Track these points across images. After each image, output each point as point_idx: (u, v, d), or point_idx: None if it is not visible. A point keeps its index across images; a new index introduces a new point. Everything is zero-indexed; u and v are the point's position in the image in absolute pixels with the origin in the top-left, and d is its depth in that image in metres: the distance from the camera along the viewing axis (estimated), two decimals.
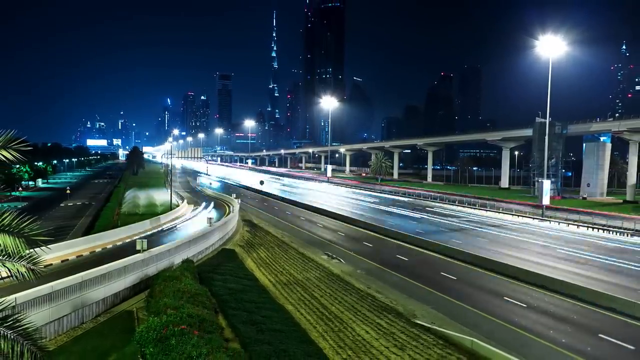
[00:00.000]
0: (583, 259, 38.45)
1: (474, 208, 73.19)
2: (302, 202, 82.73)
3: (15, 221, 7.67)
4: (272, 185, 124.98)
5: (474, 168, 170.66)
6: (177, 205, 68.35)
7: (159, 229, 50.26)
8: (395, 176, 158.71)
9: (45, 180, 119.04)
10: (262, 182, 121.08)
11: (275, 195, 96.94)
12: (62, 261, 31.80)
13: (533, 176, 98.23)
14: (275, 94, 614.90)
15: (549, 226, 57.18)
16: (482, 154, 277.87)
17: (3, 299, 10.00)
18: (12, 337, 7.50)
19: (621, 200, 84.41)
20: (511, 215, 64.76)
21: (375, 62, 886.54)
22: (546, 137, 70.66)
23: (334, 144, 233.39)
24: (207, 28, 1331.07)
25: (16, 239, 7.58)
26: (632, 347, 20.61)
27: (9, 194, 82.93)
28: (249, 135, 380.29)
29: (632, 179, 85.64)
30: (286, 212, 71.62)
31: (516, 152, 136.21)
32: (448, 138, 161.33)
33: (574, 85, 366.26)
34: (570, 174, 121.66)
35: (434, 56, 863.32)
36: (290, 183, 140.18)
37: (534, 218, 61.90)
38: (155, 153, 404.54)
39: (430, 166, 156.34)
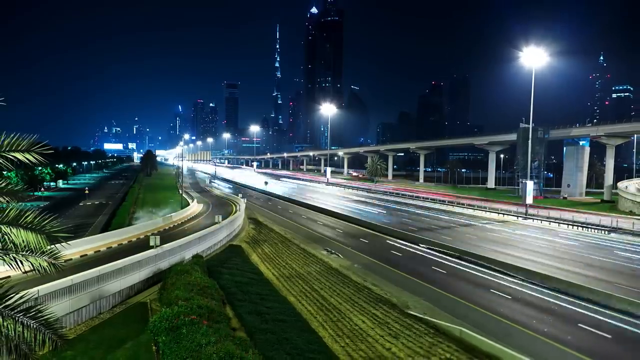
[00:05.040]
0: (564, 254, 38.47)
1: (463, 207, 73.07)
2: (303, 201, 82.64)
3: (37, 219, 7.65)
4: (276, 186, 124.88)
5: (463, 170, 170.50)
6: (188, 204, 68.25)
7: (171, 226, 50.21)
8: (390, 177, 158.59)
9: (66, 181, 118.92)
10: (266, 183, 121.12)
11: (278, 195, 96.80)
12: (81, 256, 31.76)
13: (517, 177, 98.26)
14: (279, 101, 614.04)
15: (531, 224, 57.19)
16: (470, 156, 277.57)
17: (26, 291, 9.99)
18: (34, 326, 7.50)
19: (599, 200, 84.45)
20: (497, 214, 64.76)
21: (371, 72, 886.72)
22: (529, 142, 70.73)
23: (333, 147, 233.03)
24: (215, 40, 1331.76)
25: (38, 235, 7.56)
26: (609, 336, 20.60)
27: (31, 193, 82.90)
28: (254, 139, 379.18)
29: (609, 180, 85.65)
30: (289, 211, 71.53)
31: (502, 155, 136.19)
32: (438, 142, 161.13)
33: (556, 93, 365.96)
34: (551, 175, 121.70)
35: (426, 66, 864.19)
36: (292, 184, 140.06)
37: (517, 216, 61.84)
38: (167, 156, 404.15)
39: (422, 168, 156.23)
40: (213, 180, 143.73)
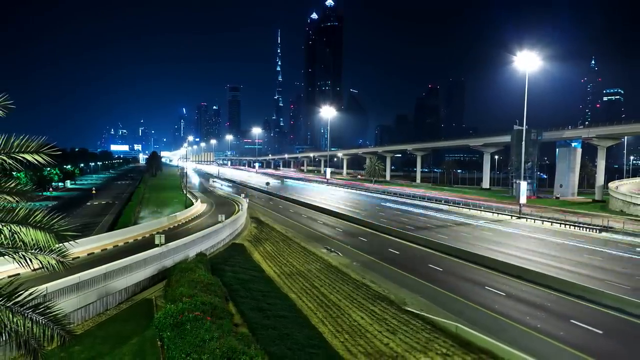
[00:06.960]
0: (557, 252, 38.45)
1: (459, 206, 72.96)
2: (304, 201, 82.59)
3: (46, 218, 7.65)
4: (277, 186, 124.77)
5: (458, 170, 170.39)
6: (192, 204, 68.20)
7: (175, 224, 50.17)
8: (388, 178, 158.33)
9: (73, 182, 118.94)
10: (268, 183, 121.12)
11: (279, 195, 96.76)
12: (89, 254, 31.76)
13: (511, 178, 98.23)
14: (280, 104, 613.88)
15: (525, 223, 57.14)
16: (465, 158, 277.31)
17: (35, 288, 9.98)
18: (43, 322, 7.50)
19: (590, 200, 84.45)
20: (491, 213, 64.71)
21: (369, 75, 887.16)
22: (523, 143, 70.73)
23: (333, 149, 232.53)
24: (218, 45, 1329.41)
25: (47, 234, 7.56)
26: (600, 332, 20.59)
27: (40, 193, 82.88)
28: (256, 141, 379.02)
29: (600, 180, 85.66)
30: (289, 210, 71.50)
31: (496, 156, 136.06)
32: (435, 144, 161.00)
33: (549, 96, 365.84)
34: (544, 176, 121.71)
35: (422, 70, 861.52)
36: (293, 184, 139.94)
37: (512, 216, 61.77)
38: (172, 157, 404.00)
39: (419, 169, 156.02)
40: (215, 180, 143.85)
